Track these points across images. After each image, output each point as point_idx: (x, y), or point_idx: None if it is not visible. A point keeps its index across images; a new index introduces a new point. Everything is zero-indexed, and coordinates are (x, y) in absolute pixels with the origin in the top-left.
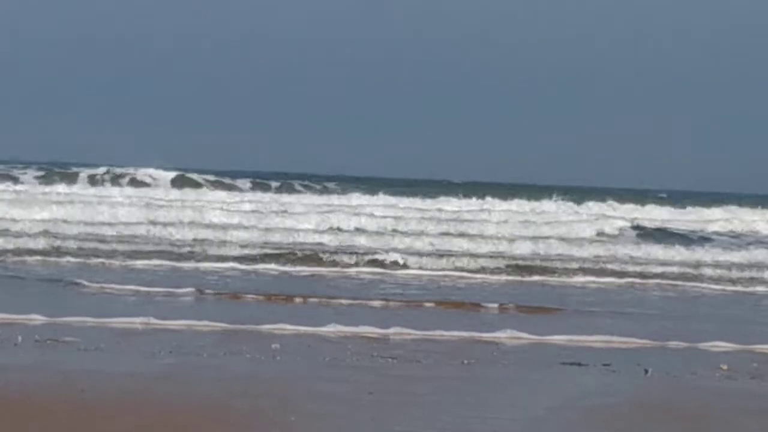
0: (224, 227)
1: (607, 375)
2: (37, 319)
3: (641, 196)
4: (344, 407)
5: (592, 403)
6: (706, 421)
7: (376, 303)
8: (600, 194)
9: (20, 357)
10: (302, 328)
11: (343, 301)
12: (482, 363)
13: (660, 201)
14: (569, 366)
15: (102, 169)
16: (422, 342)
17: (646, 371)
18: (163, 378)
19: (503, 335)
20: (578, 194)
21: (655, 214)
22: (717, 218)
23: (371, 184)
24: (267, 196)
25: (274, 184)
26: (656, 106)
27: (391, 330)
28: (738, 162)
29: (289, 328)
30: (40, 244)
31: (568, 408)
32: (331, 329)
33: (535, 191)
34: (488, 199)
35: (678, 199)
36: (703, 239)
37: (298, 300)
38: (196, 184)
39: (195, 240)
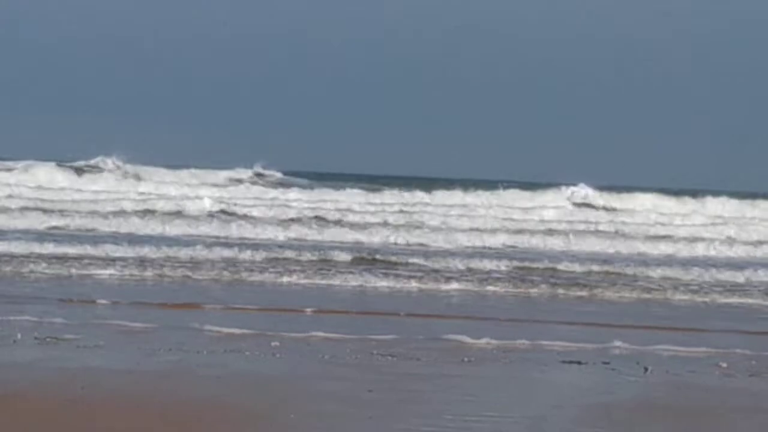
0: None
1: (606, 373)
2: None
3: None
4: (343, 405)
5: (591, 401)
6: (705, 419)
7: None
8: None
9: (20, 354)
10: None
11: None
12: (482, 361)
13: None
14: (568, 364)
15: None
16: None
17: (646, 369)
18: (162, 375)
19: None
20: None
21: None
22: None
23: None
24: None
25: None
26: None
27: None
28: None
29: None
30: None
31: (568, 406)
32: None
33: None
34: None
35: None
36: None
37: None
38: None
39: None
